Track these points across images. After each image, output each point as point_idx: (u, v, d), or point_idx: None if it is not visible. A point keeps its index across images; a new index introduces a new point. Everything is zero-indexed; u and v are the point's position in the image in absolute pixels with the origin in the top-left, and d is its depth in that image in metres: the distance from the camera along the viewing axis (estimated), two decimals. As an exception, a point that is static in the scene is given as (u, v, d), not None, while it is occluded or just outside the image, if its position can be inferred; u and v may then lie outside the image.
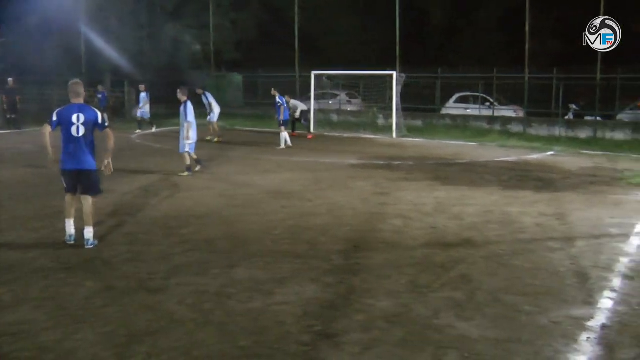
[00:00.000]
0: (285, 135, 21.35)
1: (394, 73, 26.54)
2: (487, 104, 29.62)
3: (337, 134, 26.77)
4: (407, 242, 9.42)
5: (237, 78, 37.34)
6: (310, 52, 34.48)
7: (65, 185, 9.04)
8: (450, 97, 31.01)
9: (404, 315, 6.46)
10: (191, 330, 6.07)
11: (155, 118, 28.73)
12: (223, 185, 14.22)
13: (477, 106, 30.01)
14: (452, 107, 30.61)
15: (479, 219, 10.92)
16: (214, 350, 5.65)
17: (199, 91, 23.77)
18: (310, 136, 25.02)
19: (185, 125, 15.18)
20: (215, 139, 23.35)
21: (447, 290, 7.21)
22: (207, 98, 23.47)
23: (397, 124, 26.18)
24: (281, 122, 21.65)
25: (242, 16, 39.01)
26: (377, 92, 29.55)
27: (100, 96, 30.37)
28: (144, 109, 27.48)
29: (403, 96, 26.83)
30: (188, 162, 15.46)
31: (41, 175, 14.64)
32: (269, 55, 36.54)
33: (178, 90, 15.38)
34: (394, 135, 25.85)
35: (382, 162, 18.03)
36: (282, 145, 21.13)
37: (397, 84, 26.17)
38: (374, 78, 29.12)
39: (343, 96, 33.93)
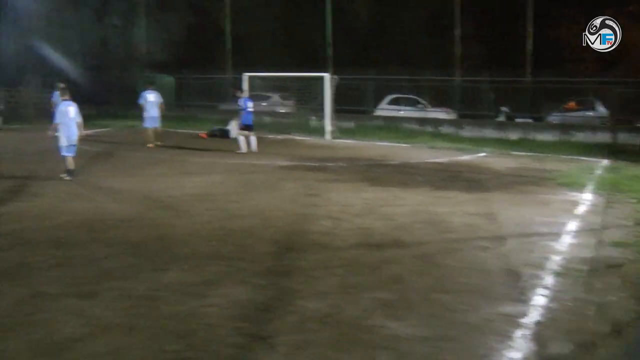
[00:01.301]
0: (242, 139, 20.90)
1: (327, 75, 26.56)
2: (419, 105, 29.93)
3: (269, 136, 26.61)
4: (337, 243, 9.41)
5: (168, 79, 36.83)
6: (242, 53, 34.27)
7: None
8: (383, 98, 31.21)
9: (334, 316, 6.44)
10: (119, 335, 5.93)
11: (85, 119, 27.79)
12: (150, 188, 13.97)
13: (410, 108, 30.27)
14: (385, 109, 30.79)
15: (409, 219, 11.00)
16: (142, 354, 5.55)
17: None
18: None
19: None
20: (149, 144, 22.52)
21: (378, 291, 7.22)
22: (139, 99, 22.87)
23: (329, 126, 26.21)
24: (241, 125, 21.20)
25: (171, 18, 38.54)
26: (309, 94, 29.49)
27: None
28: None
29: (335, 98, 26.87)
30: (67, 165, 14.88)
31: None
32: (200, 57, 36.19)
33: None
34: (326, 136, 25.89)
35: (313, 164, 18.02)
36: (243, 149, 20.55)
37: (329, 86, 26.18)
38: (307, 80, 29.04)
39: (276, 98, 33.79)
